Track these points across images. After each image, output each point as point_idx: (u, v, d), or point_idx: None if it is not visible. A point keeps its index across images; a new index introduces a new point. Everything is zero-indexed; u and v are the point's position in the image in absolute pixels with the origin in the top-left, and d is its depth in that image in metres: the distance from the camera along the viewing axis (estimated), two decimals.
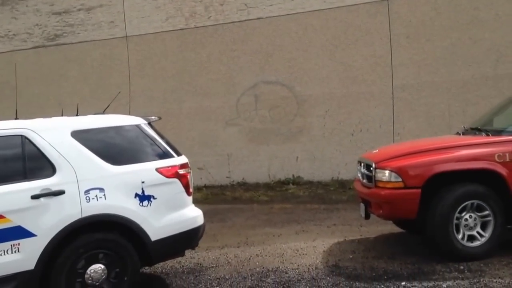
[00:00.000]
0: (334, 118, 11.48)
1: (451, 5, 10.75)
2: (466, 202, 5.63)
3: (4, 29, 13.59)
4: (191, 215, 5.40)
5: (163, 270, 6.10)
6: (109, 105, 6.24)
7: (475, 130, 6.51)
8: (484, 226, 5.67)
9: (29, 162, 4.79)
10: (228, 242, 7.19)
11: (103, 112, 5.88)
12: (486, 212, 5.65)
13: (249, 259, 6.31)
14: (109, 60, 12.99)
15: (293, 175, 11.66)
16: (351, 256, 6.11)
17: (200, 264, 6.23)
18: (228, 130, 12.22)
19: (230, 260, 6.30)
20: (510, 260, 5.51)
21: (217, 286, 5.42)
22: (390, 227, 7.13)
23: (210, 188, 11.77)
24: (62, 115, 5.82)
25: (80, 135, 5.02)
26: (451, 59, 10.77)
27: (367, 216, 6.46)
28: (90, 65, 13.13)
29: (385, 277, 5.30)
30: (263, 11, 11.91)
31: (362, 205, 6.50)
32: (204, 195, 11.03)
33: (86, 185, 4.81)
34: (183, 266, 6.22)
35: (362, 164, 6.57)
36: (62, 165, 4.82)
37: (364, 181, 6.45)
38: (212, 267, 6.09)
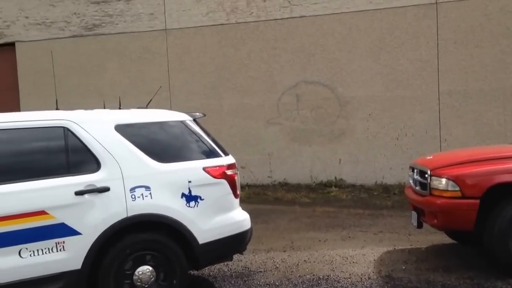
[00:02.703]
0: (378, 121, 11.33)
1: (502, 11, 10.53)
2: None
3: (41, 16, 13.52)
4: (239, 218, 5.24)
5: (211, 273, 5.99)
6: (151, 100, 6.13)
7: None
8: None
9: (72, 156, 4.62)
10: (273, 246, 7.09)
11: (147, 106, 5.74)
12: None
13: (297, 264, 6.21)
14: (148, 53, 12.88)
15: (335, 178, 11.55)
16: (403, 267, 5.94)
17: (248, 268, 6.13)
18: (269, 129, 12.09)
19: (277, 265, 6.20)
20: None
21: None
22: (440, 237, 6.98)
23: (252, 187, 11.68)
24: (104, 107, 5.69)
25: (124, 130, 4.83)
26: (500, 67, 10.57)
27: (419, 225, 6.25)
28: (129, 57, 13.02)
29: None
30: (307, 9, 11.73)
31: (414, 213, 6.29)
32: (246, 194, 10.93)
33: (131, 182, 4.63)
34: (230, 269, 6.11)
35: (415, 171, 6.34)
36: (107, 160, 4.64)
37: (417, 188, 6.23)
38: (260, 271, 5.98)
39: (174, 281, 4.72)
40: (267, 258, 6.48)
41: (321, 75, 11.68)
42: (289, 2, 11.84)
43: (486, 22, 10.61)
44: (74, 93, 12.70)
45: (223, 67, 12.36)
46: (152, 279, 4.64)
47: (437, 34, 10.90)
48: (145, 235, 4.69)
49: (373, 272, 5.80)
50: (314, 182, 11.63)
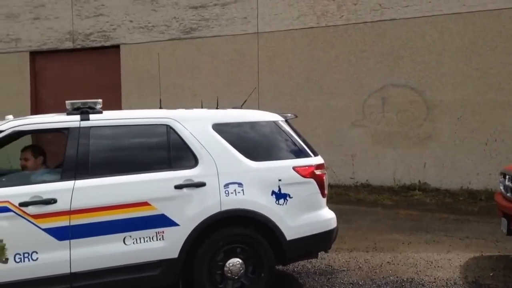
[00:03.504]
0: (466, 125, 11.11)
1: None
2: None
3: (144, 20, 14.41)
4: (326, 217, 5.37)
5: (295, 269, 6.14)
6: (246, 100, 6.35)
7: None
8: None
9: (173, 152, 4.90)
10: (356, 246, 7.16)
11: (241, 107, 5.95)
12: None
13: (381, 266, 6.25)
14: (239, 55, 13.36)
15: (419, 181, 11.44)
16: (491, 274, 5.86)
17: (331, 266, 6.24)
18: (353, 131, 12.20)
19: (360, 265, 6.28)
20: None
21: None
22: None
23: (334, 187, 11.76)
24: (202, 107, 5.94)
25: (220, 128, 5.07)
26: None
27: (509, 233, 6.11)
28: (221, 59, 13.56)
29: None
30: (398, 12, 11.70)
31: (504, 220, 6.18)
32: (328, 194, 10.88)
33: (225, 178, 4.86)
34: (314, 266, 6.24)
35: (507, 177, 6.25)
36: (204, 157, 4.89)
37: (508, 194, 6.15)
38: (343, 270, 6.07)
39: (262, 274, 4.93)
40: (350, 258, 6.58)
41: (409, 78, 11.62)
42: (380, 5, 11.87)
43: None
44: (170, 93, 13.40)
45: (311, 69, 12.58)
46: (241, 271, 4.86)
47: None
48: (237, 229, 4.92)
49: (459, 277, 5.75)
50: (397, 184, 11.58)
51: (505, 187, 6.32)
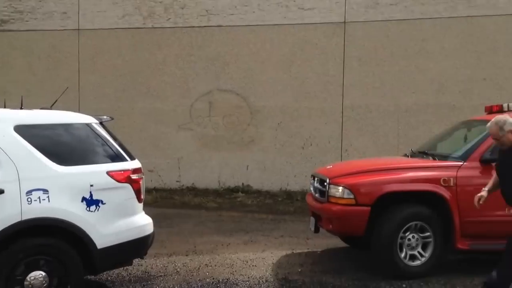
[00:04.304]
0: (286, 130, 11.78)
1: (402, 34, 11.33)
2: (411, 223, 5.87)
3: None
4: (141, 223, 5.19)
5: (109, 278, 5.89)
6: (56, 100, 5.93)
7: (422, 154, 6.88)
8: (425, 247, 5.93)
9: None
10: (176, 250, 7.13)
11: (51, 107, 5.56)
12: (428, 234, 5.90)
13: (198, 268, 6.29)
14: (58, 52, 12.60)
15: (242, 184, 11.87)
16: (299, 270, 6.25)
17: (148, 273, 6.10)
18: (180, 134, 12.21)
19: (178, 269, 6.24)
20: (447, 280, 5.82)
21: None
22: (335, 241, 7.34)
23: (160, 191, 11.68)
24: (5, 107, 5.41)
25: (24, 130, 4.68)
26: (397, 85, 11.36)
27: (316, 230, 6.64)
28: (37, 55, 12.68)
29: None
30: (224, 19, 12.00)
31: (312, 219, 6.68)
32: (153, 198, 10.84)
33: (28, 185, 4.50)
34: (130, 274, 6.04)
35: (316, 179, 6.74)
36: (3, 161, 4.49)
37: (317, 195, 6.61)
38: (160, 276, 5.98)
39: (68, 286, 4.64)
40: (168, 262, 6.50)
41: (234, 84, 11.99)
42: (206, 11, 12.05)
43: (388, 43, 11.37)
44: None
45: (137, 71, 12.33)
46: (44, 285, 4.52)
47: (344, 52, 11.53)
48: (39, 240, 4.57)
49: (270, 275, 6.03)
50: (222, 187, 11.88)
51: (314, 188, 6.81)
